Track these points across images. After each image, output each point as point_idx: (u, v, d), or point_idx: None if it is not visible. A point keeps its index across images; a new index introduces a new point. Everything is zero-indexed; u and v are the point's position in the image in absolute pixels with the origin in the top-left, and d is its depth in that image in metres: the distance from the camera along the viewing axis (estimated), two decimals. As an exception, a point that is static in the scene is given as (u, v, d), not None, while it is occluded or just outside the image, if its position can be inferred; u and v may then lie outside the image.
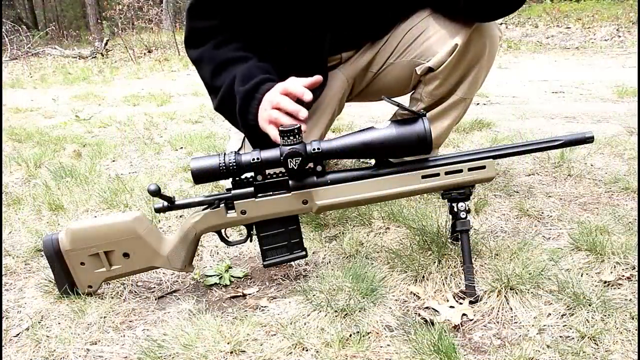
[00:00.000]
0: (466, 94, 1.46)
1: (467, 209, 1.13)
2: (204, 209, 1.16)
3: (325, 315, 1.06)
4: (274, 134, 1.16)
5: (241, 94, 1.25)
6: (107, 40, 10.62)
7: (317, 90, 1.25)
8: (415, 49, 1.44)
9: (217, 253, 1.42)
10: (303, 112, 1.12)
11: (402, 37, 1.46)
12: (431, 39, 1.41)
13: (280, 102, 1.14)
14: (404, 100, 1.35)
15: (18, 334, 1.09)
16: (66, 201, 1.81)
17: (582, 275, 1.14)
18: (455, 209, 1.14)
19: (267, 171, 1.12)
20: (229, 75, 1.31)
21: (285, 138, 1.06)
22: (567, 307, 1.03)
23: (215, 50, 1.35)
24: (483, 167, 1.11)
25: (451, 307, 1.08)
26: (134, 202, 1.77)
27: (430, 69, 1.41)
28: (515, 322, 1.03)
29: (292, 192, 1.13)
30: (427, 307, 1.09)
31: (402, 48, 1.47)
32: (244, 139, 1.67)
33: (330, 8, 1.36)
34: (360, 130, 1.09)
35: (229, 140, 1.86)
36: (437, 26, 1.40)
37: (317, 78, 1.16)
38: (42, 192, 1.91)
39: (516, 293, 1.08)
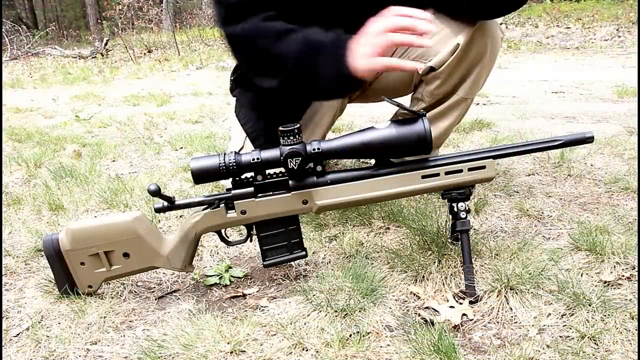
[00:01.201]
0: (467, 94, 1.46)
1: (467, 209, 1.13)
2: (204, 209, 1.16)
3: (325, 315, 1.06)
4: (385, 62, 1.07)
5: (330, 44, 1.13)
6: (107, 40, 10.63)
7: None
8: (417, 49, 1.44)
9: (217, 253, 1.42)
10: (425, 26, 1.03)
11: (405, 36, 1.46)
12: (433, 38, 1.40)
13: (397, 21, 1.05)
14: (405, 100, 1.35)
15: (18, 334, 1.09)
16: (66, 201, 1.81)
17: (582, 275, 1.14)
18: (455, 209, 1.14)
19: (267, 171, 1.11)
20: (298, 37, 1.15)
21: (285, 138, 1.06)
22: (567, 307, 1.03)
23: (270, 22, 1.19)
24: (483, 167, 1.11)
25: (451, 307, 1.08)
26: (134, 202, 1.77)
27: (431, 69, 1.41)
28: (515, 322, 1.03)
29: (292, 192, 1.13)
30: (427, 307, 1.09)
31: (403, 47, 1.46)
32: (245, 139, 1.67)
33: (334, 8, 1.36)
34: (360, 130, 1.09)
35: (230, 141, 1.86)
36: (439, 25, 1.40)
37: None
38: (42, 192, 1.91)
39: (516, 293, 1.08)
